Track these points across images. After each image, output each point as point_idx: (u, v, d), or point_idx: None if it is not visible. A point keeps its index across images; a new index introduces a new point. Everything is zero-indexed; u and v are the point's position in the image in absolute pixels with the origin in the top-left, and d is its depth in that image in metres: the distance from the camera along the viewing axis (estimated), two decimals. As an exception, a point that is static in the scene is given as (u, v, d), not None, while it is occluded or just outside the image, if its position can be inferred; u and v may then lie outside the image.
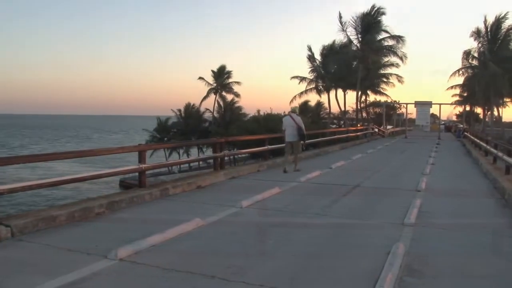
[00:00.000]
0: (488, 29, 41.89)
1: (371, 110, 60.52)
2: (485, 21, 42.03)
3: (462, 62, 45.60)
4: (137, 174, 9.78)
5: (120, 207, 8.08)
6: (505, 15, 41.25)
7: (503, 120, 60.32)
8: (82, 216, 7.19)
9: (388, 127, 55.38)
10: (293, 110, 14.43)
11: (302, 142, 13.94)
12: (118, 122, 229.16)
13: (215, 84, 52.31)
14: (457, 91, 56.02)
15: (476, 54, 43.81)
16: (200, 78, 52.71)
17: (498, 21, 41.30)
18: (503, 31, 41.41)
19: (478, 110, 63.97)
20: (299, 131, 13.44)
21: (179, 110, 50.35)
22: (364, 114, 53.83)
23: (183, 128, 49.03)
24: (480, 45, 43.06)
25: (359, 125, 40.46)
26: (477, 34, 42.55)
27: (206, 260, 5.23)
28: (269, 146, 16.22)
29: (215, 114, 50.50)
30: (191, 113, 50.14)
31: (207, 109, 51.51)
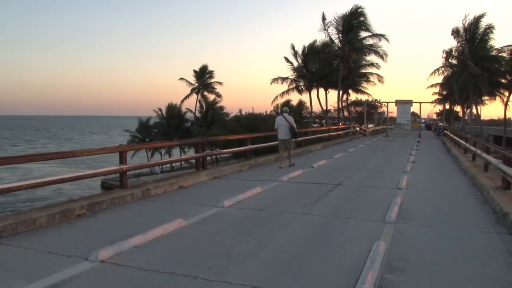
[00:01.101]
0: (467, 29, 42.41)
1: (353, 109, 60.97)
2: (464, 20, 42.61)
3: (442, 61, 46.15)
4: (118, 175, 9.71)
5: (101, 208, 8.03)
6: (483, 14, 41.87)
7: (482, 118, 61.30)
8: (63, 218, 7.12)
9: (370, 125, 55.83)
10: (284, 111, 15.74)
11: (294, 139, 15.15)
12: (98, 123, 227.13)
13: (196, 84, 52.09)
14: (437, 89, 56.72)
15: (455, 53, 44.36)
16: (182, 78, 52.52)
17: (477, 20, 41.85)
18: (481, 30, 41.97)
19: (458, 108, 64.81)
20: (292, 130, 14.54)
21: (161, 110, 50.15)
22: (346, 113, 54.16)
23: (165, 128, 48.84)
24: (459, 44, 43.61)
25: (340, 124, 40.67)
26: (456, 33, 43.08)
27: (188, 261, 5.21)
28: (251, 146, 16.24)
29: (197, 114, 50.35)
30: (172, 113, 49.94)
31: (188, 109, 51.37)
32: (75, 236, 6.29)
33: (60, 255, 5.35)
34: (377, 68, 46.99)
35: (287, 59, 46.73)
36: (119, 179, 9.66)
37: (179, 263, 5.12)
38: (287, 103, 47.30)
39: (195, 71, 52.68)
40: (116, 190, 9.28)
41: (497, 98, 47.36)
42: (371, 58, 45.68)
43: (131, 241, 5.74)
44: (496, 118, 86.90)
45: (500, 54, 42.76)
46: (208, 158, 13.75)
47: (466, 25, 42.38)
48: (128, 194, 8.90)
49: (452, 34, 43.62)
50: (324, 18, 42.15)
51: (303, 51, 46.25)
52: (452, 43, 44.45)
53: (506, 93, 45.13)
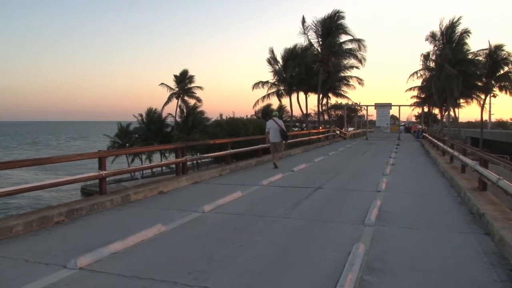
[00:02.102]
0: (444, 32, 43.06)
1: (333, 113, 61.35)
2: (441, 24, 43.26)
3: (420, 65, 46.75)
4: (98, 181, 9.63)
5: (80, 215, 7.95)
6: (459, 19, 42.59)
7: (460, 120, 62.19)
8: (41, 226, 7.04)
9: (350, 129, 56.30)
10: (274, 115, 16.59)
11: (284, 141, 16.04)
12: (77, 128, 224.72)
13: (177, 89, 51.90)
14: (416, 92, 57.38)
15: (433, 57, 44.99)
16: (162, 84, 52.27)
17: (453, 24, 42.53)
18: (457, 34, 42.66)
19: (436, 111, 65.69)
20: (282, 133, 15.49)
21: (141, 115, 49.95)
22: (326, 117, 54.47)
23: (145, 134, 48.66)
24: (436, 48, 44.24)
25: (321, 128, 40.86)
26: (432, 37, 43.68)
27: (168, 266, 5.19)
28: (232, 150, 16.23)
29: (178, 119, 50.21)
30: (153, 118, 49.84)
31: (169, 114, 51.19)
32: (53, 244, 6.21)
33: (38, 263, 5.28)
34: (358, 68, 47.39)
35: (269, 62, 46.79)
36: (98, 185, 9.59)
37: (159, 269, 5.10)
38: (267, 108, 47.45)
39: (175, 76, 52.51)
40: (96, 196, 9.20)
41: (474, 100, 48.12)
42: (351, 62, 46.11)
43: (110, 248, 5.70)
44: (473, 120, 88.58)
45: (476, 58, 43.52)
46: (189, 163, 13.70)
47: (443, 29, 43.03)
48: (107, 200, 8.83)
49: (427, 39, 44.26)
50: (304, 22, 42.40)
51: (283, 55, 46.33)
52: (429, 47, 44.85)
53: (482, 96, 45.90)
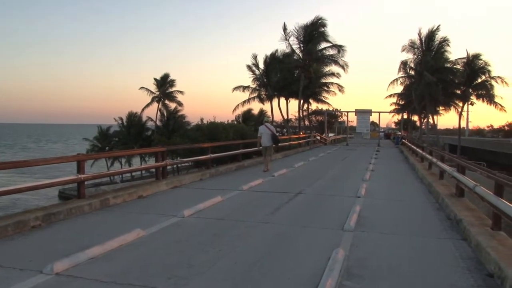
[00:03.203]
0: (423, 41, 43.65)
1: (313, 118, 61.53)
2: (420, 33, 43.85)
3: (399, 72, 47.28)
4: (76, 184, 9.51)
5: (57, 219, 7.84)
6: (437, 27, 43.23)
7: (438, 127, 63.08)
8: (16, 230, 6.91)
9: (330, 134, 56.58)
10: (266, 121, 17.70)
11: (274, 145, 16.90)
12: (56, 131, 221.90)
13: (158, 93, 51.57)
14: (395, 99, 57.94)
15: (412, 65, 45.56)
16: (142, 88, 51.90)
17: (432, 33, 43.13)
18: (436, 42, 43.28)
19: (415, 118, 66.40)
20: (273, 137, 16.32)
21: (121, 119, 49.49)
22: (307, 122, 54.64)
23: (125, 137, 48.21)
24: (415, 56, 44.78)
25: (301, 133, 41.00)
26: (411, 46, 44.22)
27: (147, 271, 5.15)
28: (212, 155, 16.19)
29: (158, 123, 49.88)
30: (133, 121, 49.41)
31: (149, 117, 50.84)
32: (29, 249, 6.11)
33: (13, 269, 5.18)
34: (338, 77, 47.72)
35: (249, 68, 46.78)
36: (76, 189, 9.47)
37: (138, 274, 5.05)
38: (248, 112, 47.39)
39: (156, 79, 52.13)
40: (74, 200, 9.09)
41: (452, 108, 48.83)
42: (332, 68, 46.44)
43: (88, 253, 5.62)
44: (451, 128, 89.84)
45: (454, 66, 44.20)
46: (169, 167, 13.63)
47: (422, 37, 43.61)
48: (86, 204, 8.73)
49: (404, 49, 44.73)
50: (285, 28, 42.42)
51: (265, 61, 46.33)
52: (408, 55, 45.24)
53: (460, 104, 46.59)
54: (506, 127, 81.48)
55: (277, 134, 19.28)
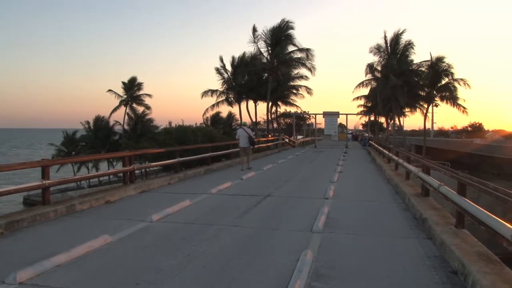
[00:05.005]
0: (388, 44, 44.43)
1: (282, 121, 61.89)
2: (385, 36, 44.64)
3: (366, 75, 47.98)
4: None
5: (21, 226, 7.65)
6: (403, 31, 44.10)
7: (405, 128, 64.19)
8: (-23, 239, 6.72)
9: (298, 137, 57.03)
10: (243, 124, 19.61)
11: (251, 146, 18.54)
12: (21, 136, 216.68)
13: (125, 96, 50.93)
14: (362, 101, 58.69)
15: (378, 67, 46.28)
16: (110, 90, 51.15)
17: (397, 36, 43.96)
18: (401, 46, 44.13)
19: (382, 119, 67.46)
20: (250, 139, 17.94)
21: (88, 123, 48.79)
22: (275, 125, 54.90)
23: (92, 141, 47.56)
24: (381, 59, 45.55)
25: (270, 136, 41.18)
26: (377, 49, 44.95)
27: (114, 278, 5.08)
28: (180, 158, 16.10)
29: (126, 127, 49.33)
30: (100, 125, 48.77)
31: (117, 121, 50.22)
32: (-8, 257, 5.94)
33: (-26, 279, 5.04)
34: (306, 79, 48.08)
35: (218, 70, 46.64)
36: (41, 195, 9.27)
37: (105, 280, 4.98)
38: (216, 115, 47.32)
39: (123, 82, 51.48)
40: (38, 207, 8.89)
41: (418, 110, 49.74)
42: (301, 71, 46.70)
43: (53, 260, 5.51)
44: (417, 129, 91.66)
45: (419, 69, 45.12)
46: (137, 171, 13.48)
47: (387, 41, 44.39)
48: (51, 210, 8.55)
49: (371, 51, 45.48)
50: (254, 30, 42.42)
51: (232, 63, 46.28)
52: (375, 58, 45.96)
53: (425, 105, 47.52)
54: (469, 128, 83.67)
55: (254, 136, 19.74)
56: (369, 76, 47.97)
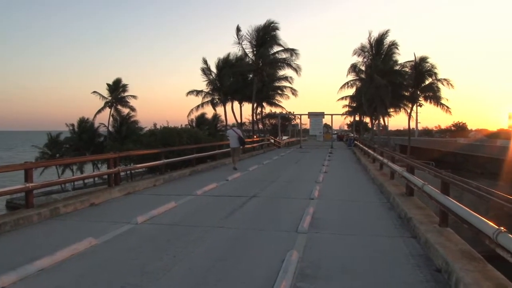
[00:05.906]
0: (373, 44, 44.72)
1: (267, 122, 61.98)
2: (370, 37, 44.92)
3: (348, 74, 48.15)
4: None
5: (4, 230, 7.56)
6: (387, 32, 44.44)
7: (389, 128, 64.69)
8: (-41, 243, 6.62)
9: (284, 137, 57.09)
10: (233, 125, 19.86)
11: (241, 147, 19.83)
12: (3, 138, 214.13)
13: (110, 98, 50.54)
14: (347, 102, 58.99)
15: (363, 68, 46.58)
16: (95, 92, 50.70)
17: (381, 37, 44.30)
18: (386, 46, 44.47)
19: (367, 119, 67.89)
20: (240, 140, 19.07)
21: (72, 125, 48.32)
22: (260, 126, 54.93)
23: (77, 144, 47.13)
24: (365, 59, 45.81)
25: (255, 137, 41.17)
26: (361, 50, 45.24)
27: (100, 281, 5.05)
28: (165, 160, 16.03)
29: (111, 129, 48.98)
30: (85, 127, 48.33)
31: (102, 123, 49.83)
32: (-26, 262, 5.86)
33: (-44, 284, 4.97)
34: (290, 82, 48.18)
35: (203, 71, 46.49)
36: (24, 198, 9.16)
37: (90, 283, 4.95)
38: (201, 117, 47.16)
39: (108, 84, 51.06)
40: (22, 210, 8.80)
41: (402, 110, 50.13)
42: (285, 72, 46.74)
43: (37, 264, 5.46)
44: (402, 129, 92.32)
45: (403, 69, 45.49)
46: (122, 173, 13.40)
47: (372, 42, 44.66)
48: (34, 213, 8.46)
49: (355, 52, 45.74)
50: (238, 30, 42.13)
51: (217, 64, 46.17)
52: (359, 58, 46.17)
53: (410, 105, 47.92)
54: (452, 128, 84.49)
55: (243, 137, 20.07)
56: (352, 76, 48.16)
